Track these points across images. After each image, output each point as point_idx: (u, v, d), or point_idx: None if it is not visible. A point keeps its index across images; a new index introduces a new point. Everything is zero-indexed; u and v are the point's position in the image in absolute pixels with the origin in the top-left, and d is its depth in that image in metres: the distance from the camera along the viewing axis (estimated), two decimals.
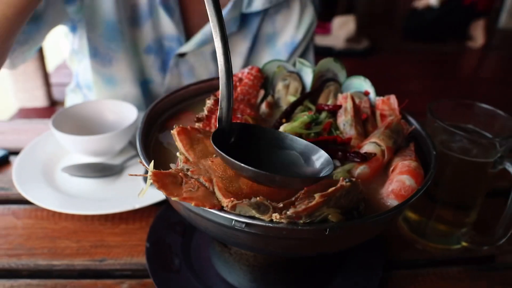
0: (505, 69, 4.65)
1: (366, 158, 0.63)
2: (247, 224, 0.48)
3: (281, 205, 0.50)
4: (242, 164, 0.50)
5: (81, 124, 1.11)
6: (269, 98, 0.82)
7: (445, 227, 0.88)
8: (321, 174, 0.52)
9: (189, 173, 0.54)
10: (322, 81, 0.84)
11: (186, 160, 0.58)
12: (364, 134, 0.72)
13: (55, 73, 3.21)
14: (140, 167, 1.05)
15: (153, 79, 1.30)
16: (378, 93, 0.81)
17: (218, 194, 0.52)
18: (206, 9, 0.50)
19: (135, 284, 0.77)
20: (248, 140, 0.58)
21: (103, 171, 1.02)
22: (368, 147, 0.66)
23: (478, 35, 4.91)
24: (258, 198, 0.48)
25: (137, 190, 0.96)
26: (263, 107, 0.80)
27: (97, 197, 0.95)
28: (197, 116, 0.70)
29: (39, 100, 2.68)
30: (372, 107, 0.79)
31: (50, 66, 3.14)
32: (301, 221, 0.47)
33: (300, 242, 0.54)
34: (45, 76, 2.61)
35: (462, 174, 0.82)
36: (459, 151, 0.79)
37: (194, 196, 0.50)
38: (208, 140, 0.62)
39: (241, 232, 0.51)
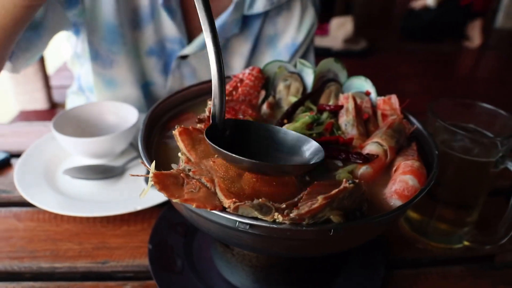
0: (502, 69, 4.67)
1: (368, 159, 0.63)
2: (251, 225, 0.48)
3: (283, 206, 0.50)
4: (235, 155, 0.51)
5: (82, 126, 1.11)
6: (270, 99, 0.82)
7: (446, 226, 0.88)
8: (312, 162, 0.54)
9: (190, 173, 0.54)
10: (323, 81, 0.84)
11: (188, 161, 0.58)
12: (366, 134, 0.72)
13: (55, 75, 3.21)
14: (141, 168, 1.05)
15: (155, 81, 1.30)
16: (378, 93, 0.81)
17: (220, 195, 0.52)
18: None
19: (137, 286, 0.76)
20: (242, 135, 0.60)
21: (104, 173, 1.02)
22: (370, 147, 0.66)
23: (475, 35, 4.92)
24: (260, 199, 0.48)
25: (139, 192, 0.97)
26: (264, 107, 0.80)
27: (99, 199, 0.95)
28: (198, 117, 0.70)
29: (40, 103, 2.68)
30: (374, 107, 0.79)
31: (50, 68, 3.13)
32: (305, 222, 0.47)
33: (304, 243, 0.54)
34: (46, 78, 2.61)
35: (463, 173, 0.82)
36: (460, 151, 0.79)
37: (195, 198, 0.50)
38: None
39: (245, 233, 0.51)
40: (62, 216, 0.92)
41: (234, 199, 0.49)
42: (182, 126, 0.61)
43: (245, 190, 0.54)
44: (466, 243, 0.88)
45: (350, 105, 0.73)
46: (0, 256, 0.82)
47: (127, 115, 1.10)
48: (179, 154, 0.59)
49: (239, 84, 0.84)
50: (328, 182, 0.57)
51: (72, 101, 1.52)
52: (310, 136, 0.69)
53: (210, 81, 0.87)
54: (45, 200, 0.91)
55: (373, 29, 5.34)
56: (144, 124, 0.69)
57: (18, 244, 0.85)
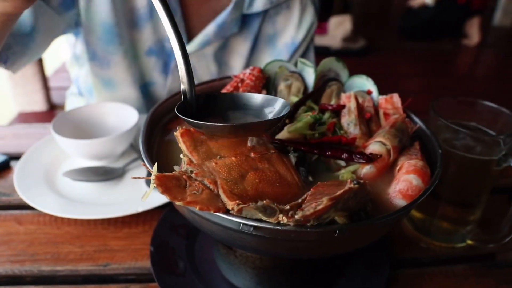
0: (500, 66, 4.68)
1: (371, 159, 0.63)
2: (255, 227, 0.48)
3: (287, 207, 0.49)
4: (203, 122, 0.55)
5: (81, 127, 1.10)
6: None
7: (449, 225, 0.88)
8: (280, 115, 0.58)
9: (193, 175, 0.53)
10: (324, 80, 0.83)
11: (190, 162, 0.58)
12: (369, 133, 0.72)
13: (53, 76, 3.20)
14: (142, 169, 1.05)
15: (155, 81, 1.30)
16: (379, 92, 0.81)
17: (223, 197, 0.51)
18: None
19: None
20: (213, 107, 0.64)
21: (104, 174, 1.01)
22: (373, 146, 0.65)
23: (473, 33, 4.93)
24: (265, 201, 0.47)
25: (140, 193, 0.96)
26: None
27: (100, 201, 0.95)
28: None
29: (38, 104, 2.67)
30: (375, 106, 0.79)
31: (49, 69, 3.12)
32: (309, 224, 0.47)
33: (308, 244, 0.53)
34: (44, 80, 2.61)
35: (466, 172, 0.82)
36: (462, 149, 0.78)
37: (198, 200, 0.49)
38: (212, 142, 0.62)
39: (248, 235, 0.51)
40: (62, 219, 0.91)
41: (237, 201, 0.48)
42: (184, 127, 0.60)
43: (248, 191, 0.53)
44: (469, 242, 0.87)
45: (352, 104, 0.73)
46: (0, 260, 0.81)
47: (127, 116, 1.09)
48: (181, 155, 0.58)
49: (240, 84, 0.83)
50: (332, 182, 0.57)
51: (72, 103, 1.52)
52: (312, 136, 0.69)
53: (208, 82, 0.88)
54: (46, 203, 0.91)
55: (371, 27, 5.35)
56: (145, 125, 0.68)
57: (19, 248, 0.85)
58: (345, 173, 0.62)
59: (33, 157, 1.06)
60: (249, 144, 0.62)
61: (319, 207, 0.45)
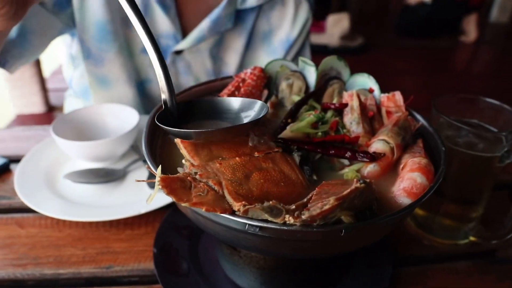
0: (498, 63, 4.69)
1: (375, 157, 0.62)
2: (261, 228, 0.48)
3: (293, 207, 0.49)
4: (186, 130, 0.57)
5: (81, 129, 1.09)
6: (273, 98, 0.82)
7: (452, 222, 0.88)
8: (259, 117, 0.59)
9: (197, 176, 0.53)
10: (325, 79, 0.83)
11: (192, 166, 0.57)
12: (371, 131, 0.72)
13: (51, 78, 3.19)
14: (143, 171, 1.04)
15: (152, 78, 1.30)
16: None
17: (229, 198, 0.51)
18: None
19: None
20: (194, 114, 0.65)
21: (106, 176, 1.01)
22: (376, 144, 0.65)
23: (471, 29, 4.93)
24: (271, 202, 0.47)
25: (141, 195, 0.96)
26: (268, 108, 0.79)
27: (101, 203, 0.94)
28: None
29: (37, 106, 2.66)
30: (377, 104, 0.79)
31: (46, 71, 3.11)
32: (315, 223, 0.47)
33: (313, 244, 0.53)
34: (42, 82, 2.60)
35: (468, 169, 0.82)
36: (465, 146, 0.78)
37: (204, 201, 0.49)
38: (213, 145, 0.61)
39: (254, 236, 0.51)
40: (64, 221, 0.91)
41: (243, 202, 0.48)
42: None
43: (253, 191, 0.53)
44: (472, 238, 0.87)
45: (355, 103, 0.72)
46: (2, 264, 0.81)
47: (127, 117, 1.09)
48: (183, 161, 0.58)
49: (241, 84, 0.83)
50: (336, 181, 0.57)
51: (70, 104, 1.51)
52: (315, 135, 0.68)
53: (209, 82, 0.87)
54: (47, 206, 0.90)
55: (369, 25, 5.35)
56: (147, 126, 0.68)
57: (21, 251, 0.84)
58: (349, 172, 0.62)
59: (33, 159, 1.06)
60: (250, 143, 0.62)
61: (325, 207, 0.44)
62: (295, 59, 1.36)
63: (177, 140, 0.59)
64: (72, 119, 1.09)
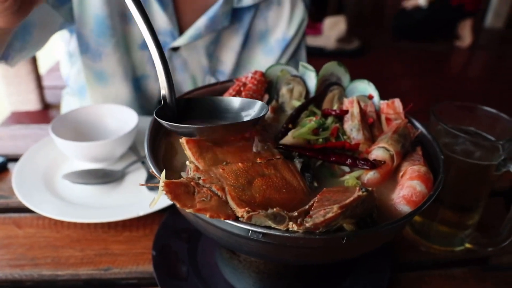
0: (493, 68, 4.73)
1: (375, 165, 0.63)
2: (264, 234, 0.48)
3: (296, 214, 0.49)
4: (187, 125, 0.56)
5: (80, 129, 1.09)
6: (274, 103, 0.82)
7: (448, 228, 0.89)
8: (260, 115, 0.59)
9: (200, 181, 0.54)
10: (326, 85, 0.84)
11: (196, 169, 0.58)
12: (371, 138, 0.72)
13: (47, 75, 3.17)
14: (142, 172, 1.04)
15: (149, 74, 1.31)
16: None
17: (232, 204, 0.51)
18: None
19: None
20: (193, 112, 0.64)
21: (104, 177, 1.01)
22: (377, 152, 0.66)
23: (465, 34, 4.98)
24: (275, 209, 0.47)
25: (140, 196, 0.96)
26: (268, 112, 0.80)
27: (100, 204, 0.94)
28: None
29: (32, 104, 2.64)
30: (377, 111, 0.79)
31: (43, 68, 3.09)
32: (318, 231, 0.47)
33: (315, 251, 0.54)
34: (38, 79, 2.58)
35: (465, 176, 0.83)
36: (462, 154, 0.79)
37: (208, 207, 0.49)
38: (217, 148, 0.62)
39: (256, 242, 0.51)
40: (62, 222, 0.91)
41: (247, 208, 0.48)
42: None
43: (256, 197, 0.53)
44: (468, 245, 0.88)
45: (355, 109, 0.73)
46: (0, 264, 0.81)
47: (126, 118, 1.09)
48: (187, 162, 0.58)
49: (242, 88, 0.83)
50: (337, 188, 0.57)
51: (68, 102, 1.51)
52: (316, 141, 0.69)
53: (210, 85, 0.88)
54: (45, 206, 0.90)
55: (365, 28, 5.37)
56: (149, 129, 0.68)
57: (18, 251, 0.84)
58: (350, 179, 0.63)
59: (31, 159, 1.05)
60: (254, 149, 0.63)
61: (329, 215, 0.45)
62: (291, 60, 1.37)
63: (182, 141, 0.59)
64: (71, 119, 1.09)
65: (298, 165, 0.62)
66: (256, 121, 0.60)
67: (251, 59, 1.36)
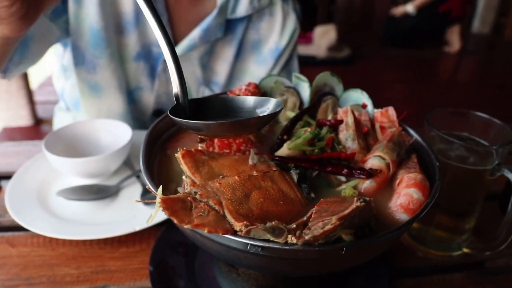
0: (480, 72, 4.81)
1: (371, 174, 0.63)
2: (262, 247, 0.48)
3: (294, 226, 0.49)
4: (196, 121, 0.56)
5: (73, 145, 1.08)
6: None
7: (445, 234, 0.89)
8: (276, 111, 0.58)
9: (197, 196, 0.53)
10: (319, 95, 0.84)
11: (193, 183, 0.57)
12: (366, 147, 0.73)
13: (38, 90, 3.15)
14: (136, 186, 1.04)
15: (143, 86, 1.31)
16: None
17: (229, 218, 0.51)
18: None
19: None
20: (206, 111, 0.63)
21: (98, 193, 1.00)
22: (372, 161, 0.66)
23: (454, 40, 5.06)
24: (273, 222, 0.47)
25: (135, 211, 0.95)
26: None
27: (95, 220, 0.93)
28: (199, 136, 0.69)
29: (24, 119, 2.62)
30: (371, 119, 0.80)
31: (34, 83, 3.07)
32: (317, 243, 0.47)
33: (313, 262, 0.53)
34: (29, 95, 2.56)
35: (460, 181, 0.83)
36: (456, 160, 0.80)
37: (205, 222, 0.49)
38: (213, 162, 0.62)
39: (255, 255, 0.51)
40: (57, 240, 0.89)
41: (245, 222, 0.48)
42: (185, 148, 0.60)
43: (253, 211, 0.53)
44: (465, 250, 0.89)
45: (350, 119, 0.73)
46: None
47: (120, 133, 1.08)
48: (183, 177, 0.58)
49: None
50: (334, 199, 0.57)
51: (60, 118, 1.50)
52: (312, 152, 0.69)
53: (208, 97, 0.87)
54: (39, 224, 0.88)
55: (355, 36, 5.44)
56: (144, 144, 0.68)
57: (12, 271, 0.82)
58: (346, 189, 0.63)
59: (24, 176, 1.04)
60: (250, 162, 0.63)
61: (327, 227, 0.45)
62: (284, 69, 1.38)
63: (178, 155, 0.59)
64: (64, 135, 1.08)
65: (295, 177, 0.62)
66: (271, 117, 0.58)
67: (245, 69, 1.37)
